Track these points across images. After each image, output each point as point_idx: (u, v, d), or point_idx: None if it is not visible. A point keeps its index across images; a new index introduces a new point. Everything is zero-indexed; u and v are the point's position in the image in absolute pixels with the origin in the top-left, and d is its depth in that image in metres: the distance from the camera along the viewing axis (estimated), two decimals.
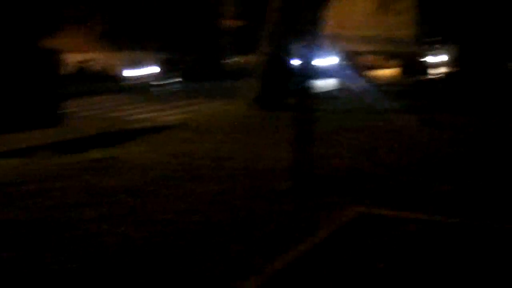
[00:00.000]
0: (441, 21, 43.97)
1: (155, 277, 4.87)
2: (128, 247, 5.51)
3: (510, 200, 7.20)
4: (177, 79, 27.51)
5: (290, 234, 5.89)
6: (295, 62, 15.40)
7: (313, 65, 8.81)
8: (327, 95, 18.71)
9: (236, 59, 25.66)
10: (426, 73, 33.17)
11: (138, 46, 27.45)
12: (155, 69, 27.87)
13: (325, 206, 6.85)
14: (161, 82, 26.77)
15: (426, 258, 5.32)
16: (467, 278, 4.92)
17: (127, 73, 27.31)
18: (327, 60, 34.74)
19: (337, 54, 36.31)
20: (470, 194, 7.45)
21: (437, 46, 52.01)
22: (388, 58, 36.82)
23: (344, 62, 35.37)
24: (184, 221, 6.29)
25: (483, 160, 9.59)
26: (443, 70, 37.48)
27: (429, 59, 42.21)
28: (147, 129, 13.24)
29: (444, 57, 51.39)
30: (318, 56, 25.15)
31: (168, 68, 28.08)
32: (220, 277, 4.89)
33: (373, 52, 43.10)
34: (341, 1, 41.89)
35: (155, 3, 26.04)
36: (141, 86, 25.16)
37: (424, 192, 7.54)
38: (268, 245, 5.60)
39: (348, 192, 7.52)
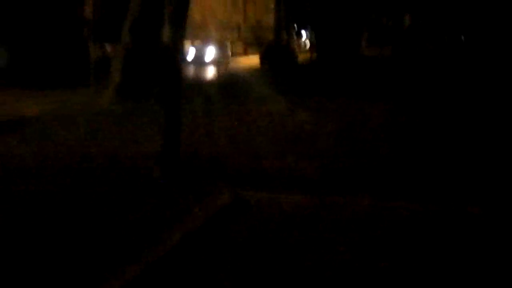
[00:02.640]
0: (299, 9, 45.47)
1: None
2: None
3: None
4: None
5: (169, 221, 5.94)
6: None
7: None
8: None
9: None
10: (290, 59, 33.80)
11: None
12: None
13: (199, 191, 6.95)
14: None
15: (303, 235, 5.61)
16: (332, 252, 5.23)
17: None
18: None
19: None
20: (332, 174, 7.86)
21: (303, 32, 53.44)
22: (249, 45, 37.28)
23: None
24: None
25: (352, 140, 10.10)
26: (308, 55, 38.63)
27: (296, 44, 43.25)
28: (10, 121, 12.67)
29: (307, 43, 52.84)
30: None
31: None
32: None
33: (233, 40, 43.61)
34: None
35: None
36: None
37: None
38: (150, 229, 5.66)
39: (219, 177, 7.66)
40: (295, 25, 49.72)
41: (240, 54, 46.24)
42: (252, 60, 36.57)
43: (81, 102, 15.69)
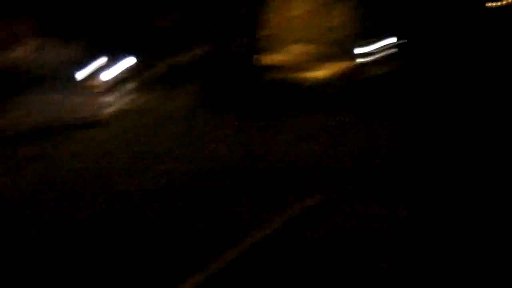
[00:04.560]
0: (381, 20, 44.92)
1: None
2: None
3: None
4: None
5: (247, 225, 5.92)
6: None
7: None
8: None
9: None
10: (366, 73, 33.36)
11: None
12: None
13: (273, 198, 6.80)
14: None
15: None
16: None
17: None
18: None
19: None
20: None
21: (385, 44, 52.57)
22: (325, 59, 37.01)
23: None
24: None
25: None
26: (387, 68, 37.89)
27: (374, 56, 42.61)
28: (88, 123, 12.86)
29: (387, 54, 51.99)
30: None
31: None
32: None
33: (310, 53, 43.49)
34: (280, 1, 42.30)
35: None
36: None
37: None
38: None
39: (295, 185, 7.44)
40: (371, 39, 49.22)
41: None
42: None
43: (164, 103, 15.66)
